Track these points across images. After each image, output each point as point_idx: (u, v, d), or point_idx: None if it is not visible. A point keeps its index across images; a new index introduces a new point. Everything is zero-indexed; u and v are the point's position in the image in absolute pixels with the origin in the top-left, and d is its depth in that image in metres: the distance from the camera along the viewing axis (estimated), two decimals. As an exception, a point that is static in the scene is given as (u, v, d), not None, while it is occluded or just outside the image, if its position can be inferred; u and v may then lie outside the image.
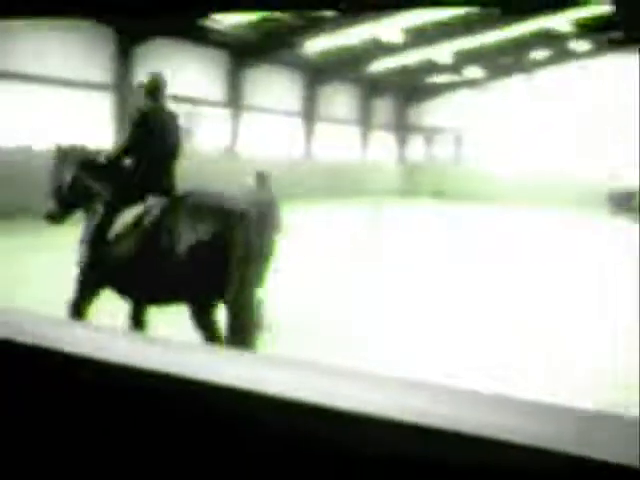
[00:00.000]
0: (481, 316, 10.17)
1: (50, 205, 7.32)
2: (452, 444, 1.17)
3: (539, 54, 38.10)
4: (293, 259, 14.48)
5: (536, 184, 38.47)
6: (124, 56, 24.16)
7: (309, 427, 1.30)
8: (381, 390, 1.33)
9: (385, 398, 1.28)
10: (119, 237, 6.71)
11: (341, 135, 38.30)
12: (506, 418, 1.20)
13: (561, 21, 31.93)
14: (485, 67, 38.81)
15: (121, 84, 24.32)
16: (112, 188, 7.03)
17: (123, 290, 6.96)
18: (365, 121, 39.94)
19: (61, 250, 8.65)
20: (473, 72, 39.04)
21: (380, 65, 35.74)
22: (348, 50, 32.16)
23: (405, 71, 37.61)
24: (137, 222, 6.67)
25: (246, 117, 30.62)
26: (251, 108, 30.87)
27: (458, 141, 43.12)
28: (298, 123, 34.74)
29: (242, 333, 6.57)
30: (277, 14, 26.14)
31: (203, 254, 6.46)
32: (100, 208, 6.96)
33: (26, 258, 12.82)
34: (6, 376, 1.62)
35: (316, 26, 27.82)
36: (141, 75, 24.50)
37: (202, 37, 26.77)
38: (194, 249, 6.45)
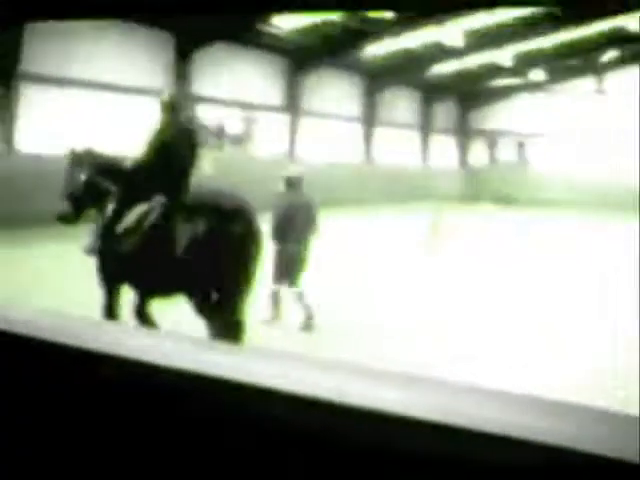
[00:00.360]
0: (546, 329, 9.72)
1: (64, 206, 7.69)
2: (464, 441, 1.17)
3: (608, 55, 37.08)
4: (353, 263, 14.28)
5: (603, 189, 37.46)
6: (183, 61, 24.12)
7: (319, 422, 1.30)
8: (401, 388, 1.33)
9: (402, 396, 1.29)
10: (125, 232, 7.21)
11: (401, 140, 37.88)
12: (526, 417, 1.19)
13: (632, 20, 31.01)
14: (550, 69, 37.97)
15: (180, 89, 24.27)
16: (123, 190, 7.53)
17: (129, 282, 7.50)
18: (425, 125, 39.45)
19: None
20: (537, 75, 38.22)
21: (441, 68, 35.21)
22: (409, 54, 31.73)
23: (466, 74, 37.01)
24: (141, 219, 7.21)
25: (305, 122, 30.39)
26: (310, 113, 30.65)
27: (521, 145, 42.31)
28: (358, 128, 34.42)
29: (234, 326, 7.20)
30: (336, 18, 25.87)
31: (199, 249, 7.00)
32: (111, 206, 7.47)
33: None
34: (21, 372, 1.64)
35: (376, 30, 27.46)
36: (200, 80, 24.71)
37: (260, 42, 26.64)
38: (191, 244, 7.00)
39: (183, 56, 24.08)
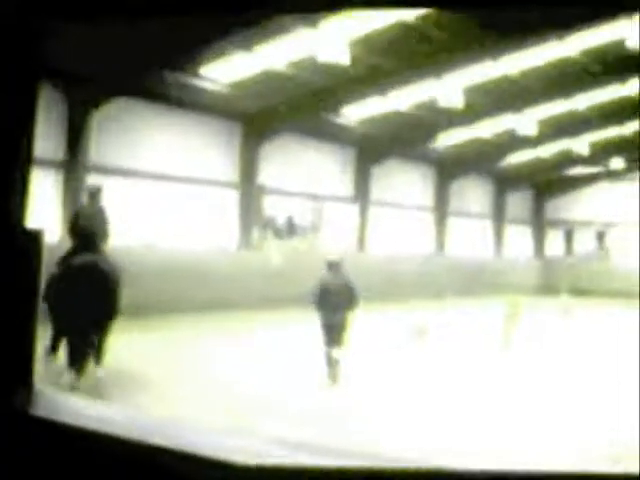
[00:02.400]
0: None
1: None
2: None
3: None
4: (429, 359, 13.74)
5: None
6: (250, 153, 23.97)
7: None
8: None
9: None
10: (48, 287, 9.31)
11: (474, 230, 37.12)
12: None
13: None
14: (629, 157, 36.96)
15: (248, 181, 24.08)
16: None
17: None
18: (499, 215, 38.66)
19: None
20: (615, 163, 37.23)
21: (515, 158, 34.60)
22: (481, 143, 31.22)
23: (541, 163, 36.30)
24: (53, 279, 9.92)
25: (376, 212, 29.91)
26: (381, 203, 30.18)
27: (600, 236, 41.10)
28: (430, 218, 33.81)
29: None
30: (405, 108, 25.55)
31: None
32: None
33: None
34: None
35: (448, 119, 27.09)
36: (268, 171, 24.53)
37: (329, 133, 26.47)
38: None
39: (250, 148, 23.91)
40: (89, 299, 9.95)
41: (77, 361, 10.01)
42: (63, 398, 1.87)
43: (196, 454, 1.47)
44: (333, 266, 12.17)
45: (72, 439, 1.62)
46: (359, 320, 15.01)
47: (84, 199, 13.11)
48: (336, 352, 11.78)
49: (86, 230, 11.18)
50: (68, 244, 13.86)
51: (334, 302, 11.70)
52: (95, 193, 12.16)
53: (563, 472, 1.20)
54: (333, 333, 11.79)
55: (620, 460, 7.84)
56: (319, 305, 11.88)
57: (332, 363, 11.76)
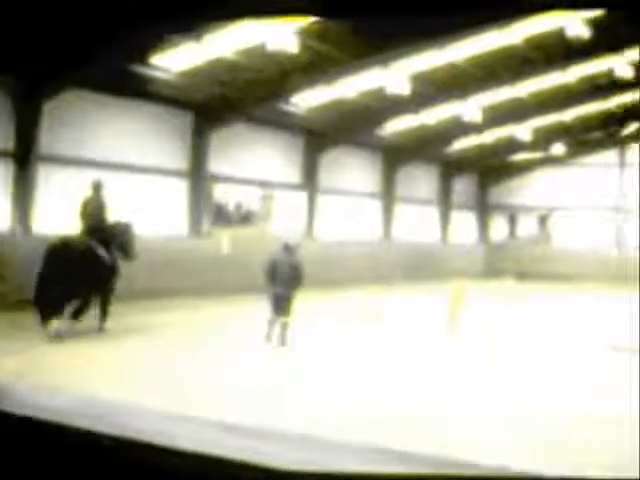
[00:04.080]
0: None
1: None
2: None
3: (631, 128, 36.94)
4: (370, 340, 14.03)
5: (629, 264, 36.91)
6: (201, 141, 24.06)
7: None
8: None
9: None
10: None
11: (421, 216, 37.61)
12: None
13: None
14: (570, 143, 37.82)
15: (198, 169, 24.18)
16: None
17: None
18: (445, 201, 39.19)
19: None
20: (557, 149, 38.03)
21: (460, 144, 35.14)
22: (427, 130, 31.68)
23: (486, 149, 36.92)
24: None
25: (323, 199, 30.21)
26: (329, 190, 30.48)
27: (542, 220, 41.95)
28: (377, 204, 34.20)
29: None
30: (354, 95, 25.85)
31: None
32: None
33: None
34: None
35: (394, 106, 27.46)
36: (218, 159, 24.64)
37: (278, 121, 26.65)
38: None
39: (201, 137, 24.01)
40: (87, 272, 13.74)
41: (81, 312, 13.87)
42: (8, 387, 1.85)
43: (143, 440, 1.48)
44: (288, 248, 13.76)
45: (17, 428, 1.61)
46: (310, 303, 15.44)
47: (87, 191, 14.92)
48: (280, 320, 13.51)
49: (93, 218, 14.55)
50: (20, 232, 18.24)
51: (282, 278, 13.38)
52: (98, 186, 14.79)
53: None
54: (280, 304, 13.45)
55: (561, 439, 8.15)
56: (268, 278, 13.56)
57: (282, 326, 13.49)
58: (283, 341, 13.47)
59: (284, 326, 13.52)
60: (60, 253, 13.55)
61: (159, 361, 12.09)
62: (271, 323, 13.54)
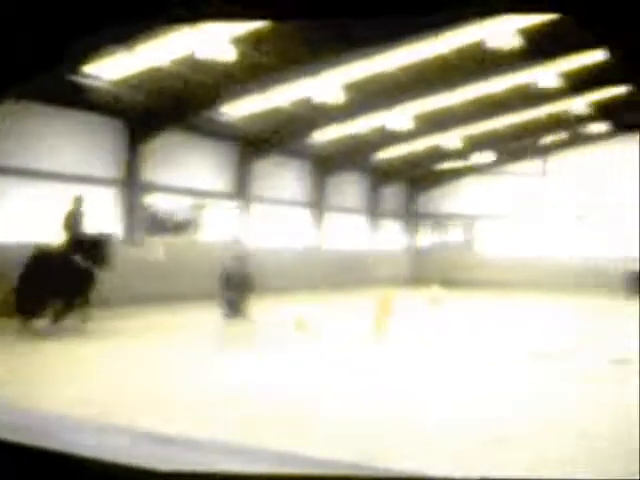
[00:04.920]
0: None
1: None
2: None
3: (554, 137, 38.07)
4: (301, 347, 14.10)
5: (551, 270, 37.98)
6: (133, 151, 23.92)
7: None
8: None
9: None
10: None
11: (350, 224, 37.97)
12: None
13: (577, 103, 31.87)
14: (496, 152, 38.67)
15: (131, 178, 24.03)
16: None
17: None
18: (374, 210, 39.63)
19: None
20: (484, 157, 38.85)
21: (388, 153, 35.62)
22: (356, 139, 32.05)
23: (414, 158, 37.49)
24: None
25: (255, 208, 30.29)
26: (260, 199, 30.57)
27: (469, 228, 42.75)
28: (308, 213, 34.43)
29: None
30: (285, 105, 26.06)
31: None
32: None
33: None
34: None
35: (325, 116, 27.74)
36: (151, 168, 24.52)
37: (210, 130, 26.65)
38: None
39: (133, 146, 23.88)
40: (65, 279, 15.25)
41: (63, 314, 15.48)
42: None
43: (80, 455, 1.46)
44: (239, 258, 15.74)
45: None
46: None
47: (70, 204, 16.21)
48: (236, 321, 15.37)
49: (75, 229, 15.98)
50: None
51: (235, 284, 15.12)
52: (79, 200, 16.23)
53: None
54: (233, 308, 15.25)
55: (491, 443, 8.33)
56: (222, 285, 15.35)
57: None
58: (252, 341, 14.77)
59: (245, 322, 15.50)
60: (40, 261, 15.24)
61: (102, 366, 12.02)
62: (226, 321, 15.44)
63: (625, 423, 8.59)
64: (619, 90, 31.00)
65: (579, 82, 28.00)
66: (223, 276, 15.47)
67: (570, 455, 7.48)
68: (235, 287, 15.15)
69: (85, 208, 16.29)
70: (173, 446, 1.64)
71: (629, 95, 31.04)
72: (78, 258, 15.83)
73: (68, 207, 16.23)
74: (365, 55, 22.88)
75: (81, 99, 21.40)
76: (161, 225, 26.28)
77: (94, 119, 22.88)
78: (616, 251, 36.53)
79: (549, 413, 9.54)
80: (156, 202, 25.92)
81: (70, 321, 15.64)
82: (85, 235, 16.18)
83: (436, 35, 21.97)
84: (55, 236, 15.90)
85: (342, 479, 1.42)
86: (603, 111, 33.57)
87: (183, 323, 17.87)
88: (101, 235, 16.60)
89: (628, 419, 8.58)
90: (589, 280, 35.46)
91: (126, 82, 21.18)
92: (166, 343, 14.70)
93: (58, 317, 15.45)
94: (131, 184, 24.02)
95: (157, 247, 23.86)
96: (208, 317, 17.01)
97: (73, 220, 16.08)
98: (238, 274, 15.33)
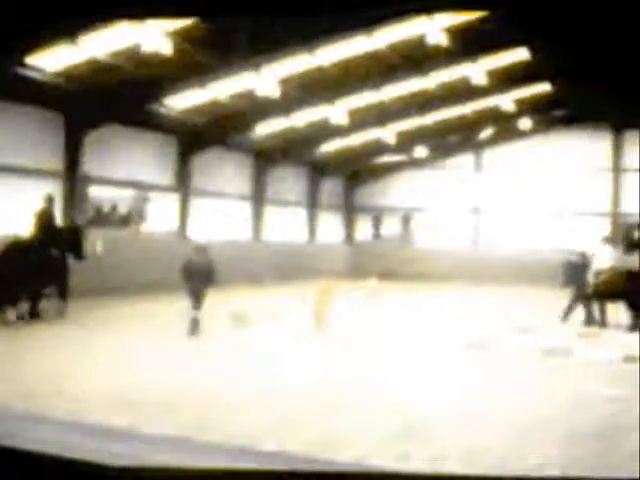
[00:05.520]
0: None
1: None
2: None
3: (486, 133, 39.11)
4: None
5: (486, 262, 38.88)
6: (74, 144, 23.96)
7: None
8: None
9: None
10: None
11: (290, 217, 38.33)
12: None
13: (506, 100, 32.81)
14: (431, 146, 39.43)
15: (72, 170, 24.07)
16: None
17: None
18: (313, 203, 40.03)
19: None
20: (419, 152, 39.58)
21: (328, 147, 36.09)
22: (296, 133, 32.45)
23: (352, 152, 37.98)
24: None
25: (196, 201, 30.50)
26: (201, 192, 30.78)
27: (406, 221, 43.40)
28: (247, 206, 34.70)
29: None
30: (225, 97, 26.37)
31: None
32: None
33: None
34: None
35: (264, 110, 28.09)
36: (92, 160, 24.60)
37: (151, 123, 26.74)
38: None
39: (74, 139, 23.92)
40: (40, 269, 15.93)
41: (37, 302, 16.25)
42: None
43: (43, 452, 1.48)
44: (199, 250, 15.64)
45: None
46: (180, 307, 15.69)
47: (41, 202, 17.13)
48: (196, 313, 15.04)
49: (46, 224, 16.74)
50: None
51: (196, 276, 14.98)
52: (50, 199, 17.24)
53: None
54: (196, 299, 15.01)
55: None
56: (185, 278, 15.16)
57: (194, 321, 14.99)
58: (195, 332, 14.92)
59: (197, 321, 15.04)
60: (15, 252, 15.90)
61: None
62: (192, 317, 15.09)
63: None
64: (544, 87, 32.16)
65: (506, 79, 28.95)
66: (184, 268, 15.30)
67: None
68: (196, 279, 15.02)
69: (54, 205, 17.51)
70: (126, 441, 1.64)
71: (553, 92, 32.23)
72: (53, 250, 16.67)
73: (40, 205, 17.07)
74: (304, 49, 23.34)
75: (22, 90, 21.33)
76: (104, 218, 26.38)
77: (35, 111, 22.87)
78: (556, 243, 37.35)
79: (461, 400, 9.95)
80: (98, 195, 26.00)
81: (46, 311, 16.46)
82: (61, 228, 17.41)
83: (370, 32, 22.54)
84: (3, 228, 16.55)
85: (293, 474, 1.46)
86: (529, 107, 34.67)
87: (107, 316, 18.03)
88: (76, 227, 17.88)
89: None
90: (528, 272, 36.31)
91: (68, 74, 21.25)
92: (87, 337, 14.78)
93: (33, 308, 16.09)
94: (71, 176, 24.06)
95: (99, 240, 23.92)
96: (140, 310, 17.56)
97: (46, 217, 16.93)
98: (200, 266, 15.19)
